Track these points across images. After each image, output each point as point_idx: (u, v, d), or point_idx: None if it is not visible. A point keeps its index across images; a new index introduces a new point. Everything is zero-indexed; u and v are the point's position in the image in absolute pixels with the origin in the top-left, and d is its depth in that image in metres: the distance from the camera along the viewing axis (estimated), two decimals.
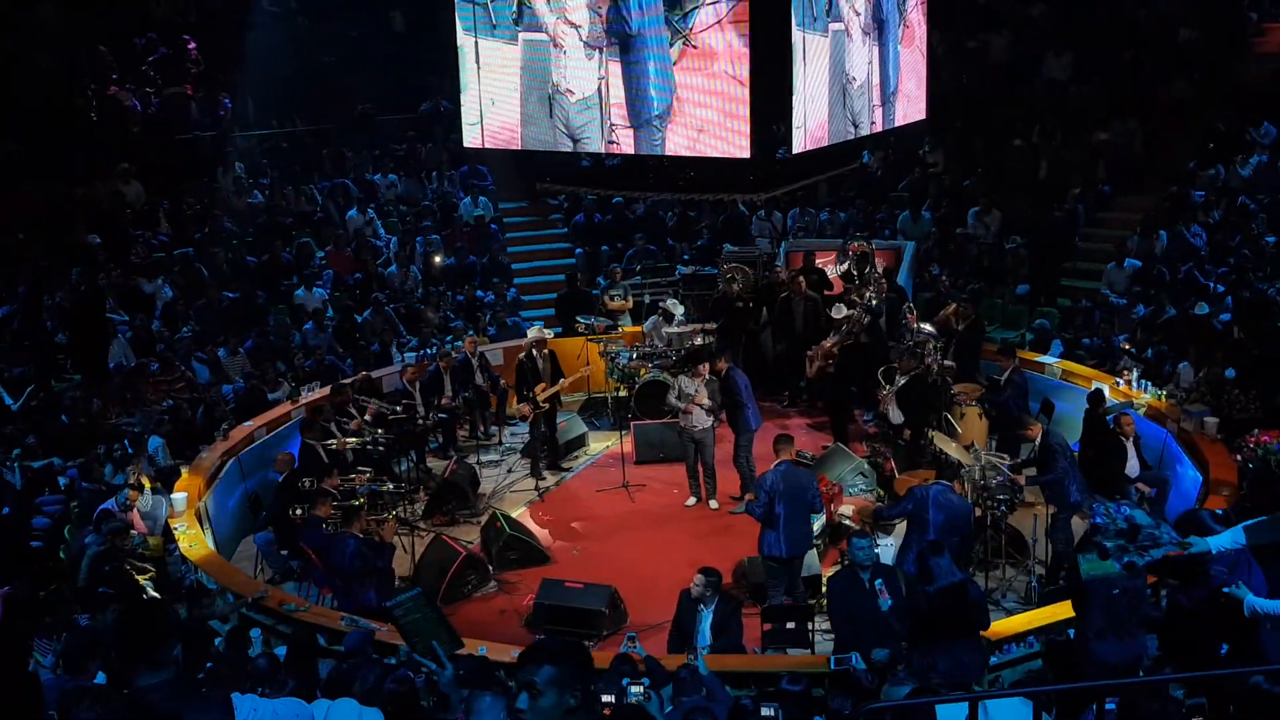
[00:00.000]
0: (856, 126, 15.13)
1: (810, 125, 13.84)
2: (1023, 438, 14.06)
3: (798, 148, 13.66)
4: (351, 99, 25.41)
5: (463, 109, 15.36)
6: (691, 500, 15.02)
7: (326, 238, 21.98)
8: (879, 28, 15.33)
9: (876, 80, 15.47)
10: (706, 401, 14.43)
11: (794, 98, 13.39)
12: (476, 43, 14.80)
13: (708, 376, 14.57)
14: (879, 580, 9.89)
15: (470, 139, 15.52)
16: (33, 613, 10.36)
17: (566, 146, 14.59)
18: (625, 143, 14.09)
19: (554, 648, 4.68)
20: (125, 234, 20.44)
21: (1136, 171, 22.10)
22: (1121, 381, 15.62)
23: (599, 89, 13.96)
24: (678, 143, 13.69)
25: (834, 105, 14.39)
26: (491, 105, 14.91)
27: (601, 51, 13.79)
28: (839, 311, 16.80)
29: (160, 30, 24.63)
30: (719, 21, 12.92)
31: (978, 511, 12.22)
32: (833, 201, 23.39)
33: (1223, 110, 22.00)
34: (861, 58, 15.01)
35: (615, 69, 13.80)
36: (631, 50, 13.67)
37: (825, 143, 14.40)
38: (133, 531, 12.79)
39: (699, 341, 17.74)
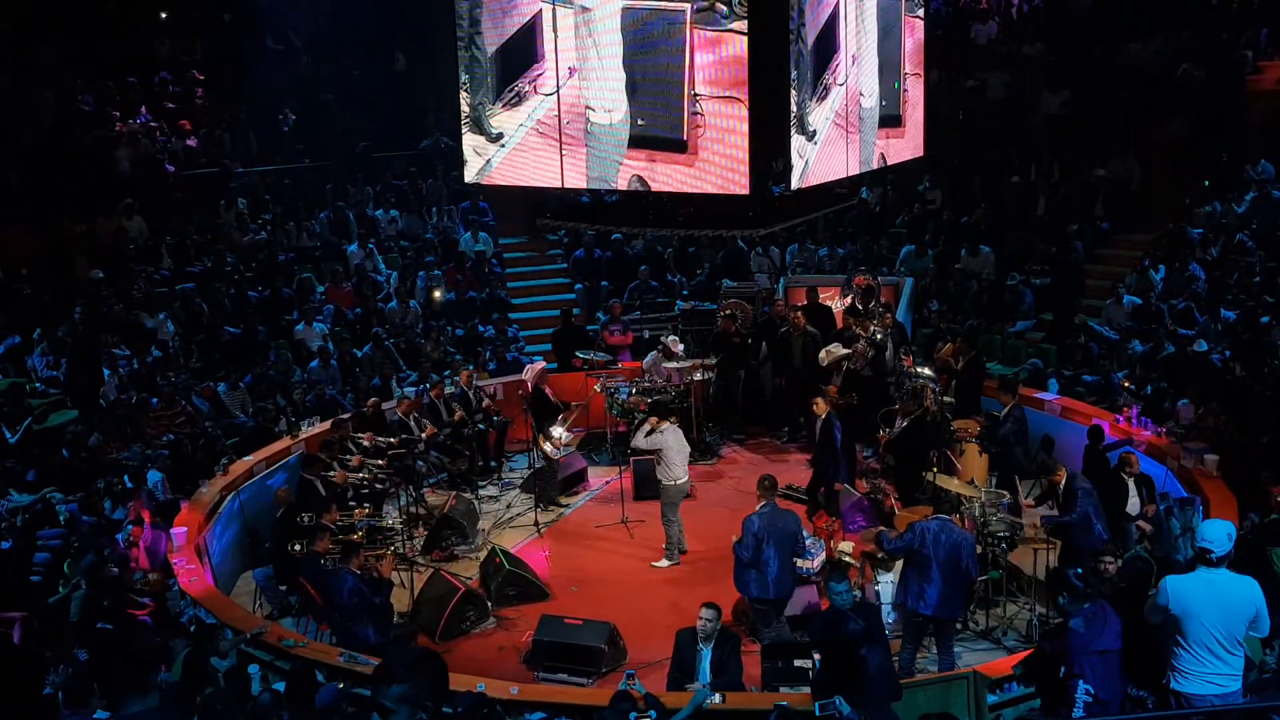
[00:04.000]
0: (860, 162, 15.07)
1: (811, 159, 13.78)
2: (1029, 476, 14.11)
3: (798, 183, 13.59)
4: (353, 136, 25.49)
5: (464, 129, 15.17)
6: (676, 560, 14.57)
7: (327, 273, 22.00)
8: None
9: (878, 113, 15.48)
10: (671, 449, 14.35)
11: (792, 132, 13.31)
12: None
13: (661, 427, 14.38)
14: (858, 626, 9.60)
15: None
16: (46, 640, 10.36)
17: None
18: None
19: (405, 663, 4.61)
20: (127, 268, 20.43)
21: (1135, 208, 22.10)
22: (1121, 418, 15.56)
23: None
24: (676, 179, 13.60)
25: (836, 140, 14.32)
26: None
27: None
28: (829, 356, 16.81)
29: (168, 68, 24.81)
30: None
31: (978, 549, 12.14)
32: (831, 237, 23.41)
33: (1220, 148, 22.02)
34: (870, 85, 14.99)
35: None
36: None
37: (826, 178, 14.33)
38: (122, 567, 12.78)
39: (698, 377, 17.72)
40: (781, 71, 13.01)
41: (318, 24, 26.46)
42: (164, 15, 26.06)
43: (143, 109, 23.75)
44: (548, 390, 16.04)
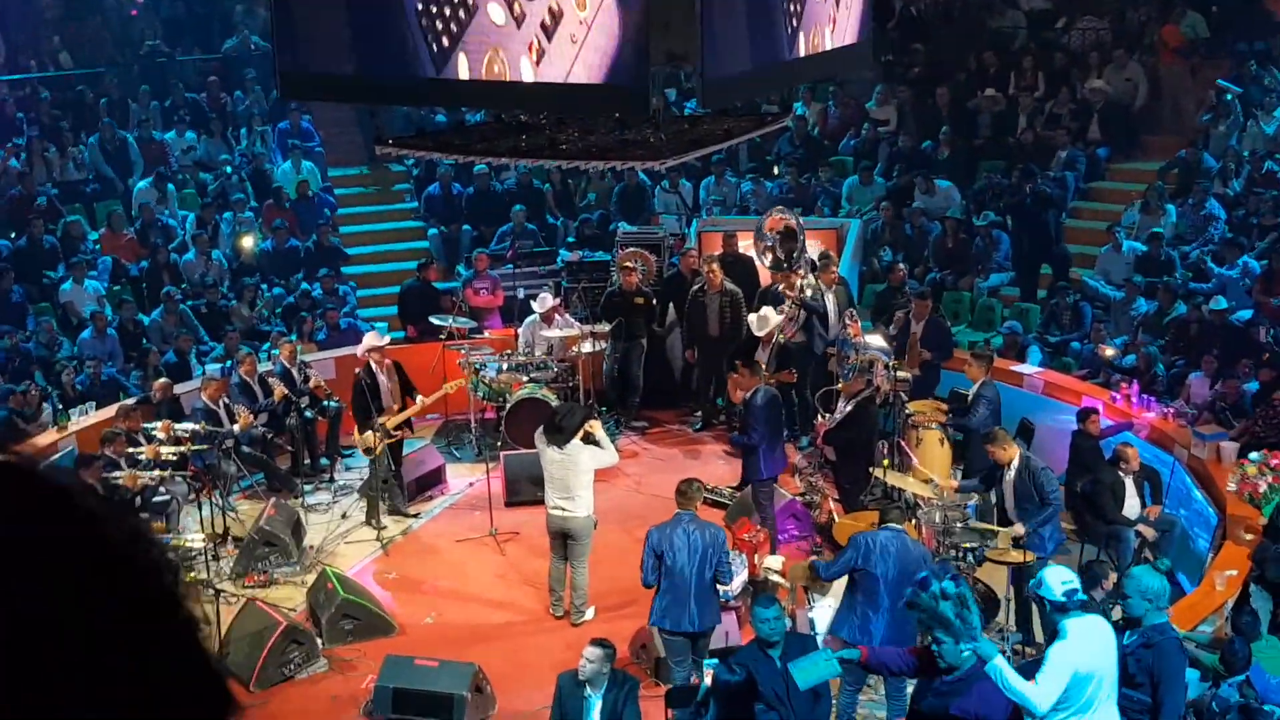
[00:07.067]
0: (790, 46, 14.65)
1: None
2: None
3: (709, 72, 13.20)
4: (136, 35, 25.19)
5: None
6: (557, 611, 13.94)
7: (101, 216, 21.77)
8: None
9: None
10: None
11: None
12: None
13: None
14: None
15: None
16: None
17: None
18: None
19: None
20: None
21: (1138, 130, 22.47)
22: (1118, 397, 15.77)
23: None
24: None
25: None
26: None
27: None
28: (762, 325, 16.73)
29: None
30: None
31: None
32: (756, 168, 23.55)
33: (1244, 51, 22.42)
34: None
35: None
36: None
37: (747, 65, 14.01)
38: None
39: (586, 348, 17.68)
40: None
41: None
42: None
43: None
44: (380, 370, 15.79)
